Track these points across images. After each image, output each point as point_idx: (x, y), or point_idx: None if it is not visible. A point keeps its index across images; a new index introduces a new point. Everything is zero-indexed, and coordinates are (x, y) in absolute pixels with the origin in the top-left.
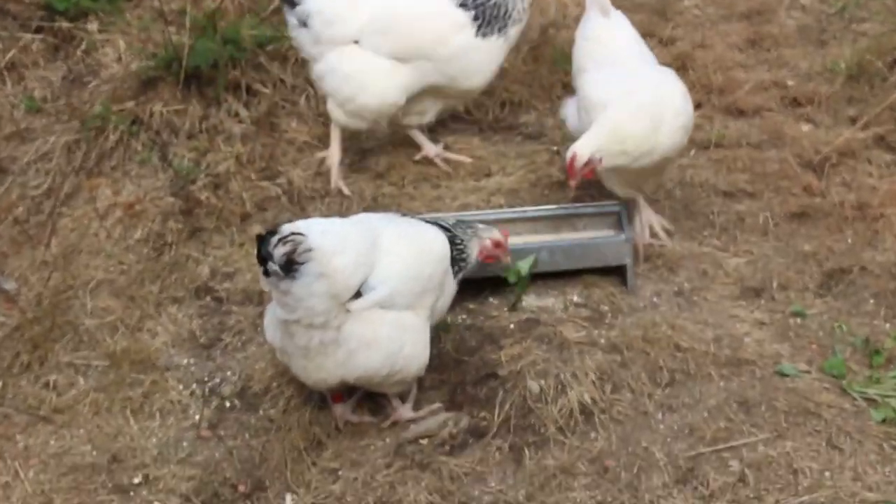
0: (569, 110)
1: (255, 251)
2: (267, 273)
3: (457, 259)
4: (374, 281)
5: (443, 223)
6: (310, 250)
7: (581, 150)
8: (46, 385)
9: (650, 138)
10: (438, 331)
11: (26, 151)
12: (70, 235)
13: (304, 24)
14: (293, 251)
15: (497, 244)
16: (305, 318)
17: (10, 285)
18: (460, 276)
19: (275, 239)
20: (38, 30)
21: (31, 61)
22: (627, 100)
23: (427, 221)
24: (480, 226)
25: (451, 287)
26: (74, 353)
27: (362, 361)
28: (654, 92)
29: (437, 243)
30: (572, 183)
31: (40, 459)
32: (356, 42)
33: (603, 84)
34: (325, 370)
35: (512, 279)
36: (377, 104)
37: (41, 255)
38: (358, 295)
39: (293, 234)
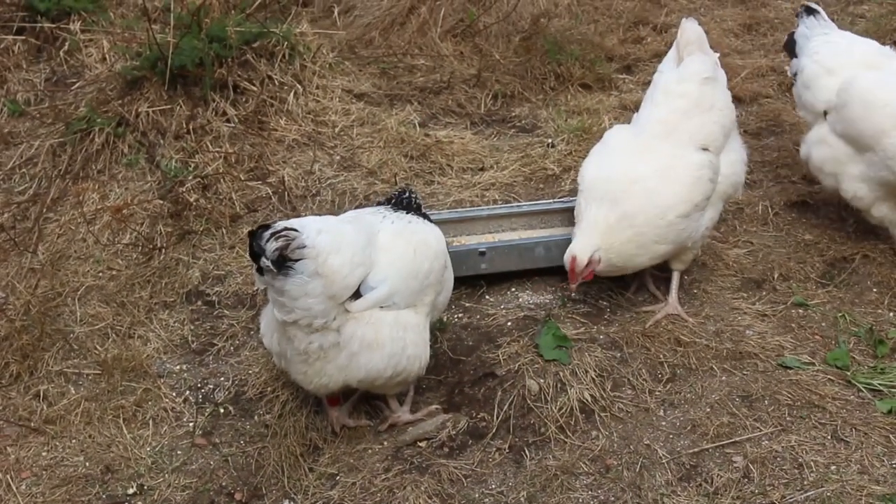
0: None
1: (248, 247)
2: (260, 270)
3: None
4: (373, 280)
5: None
6: (303, 247)
7: (580, 253)
8: (37, 395)
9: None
10: (435, 331)
11: (10, 156)
12: (57, 241)
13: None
14: (286, 247)
15: None
16: (303, 319)
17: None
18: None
19: (267, 234)
20: (20, 31)
21: (14, 63)
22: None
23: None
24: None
25: (450, 280)
26: (65, 362)
27: (364, 363)
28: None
29: (433, 238)
30: (573, 286)
31: (32, 472)
32: None
33: None
34: (326, 374)
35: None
36: None
37: (28, 262)
38: (357, 295)
39: (286, 229)
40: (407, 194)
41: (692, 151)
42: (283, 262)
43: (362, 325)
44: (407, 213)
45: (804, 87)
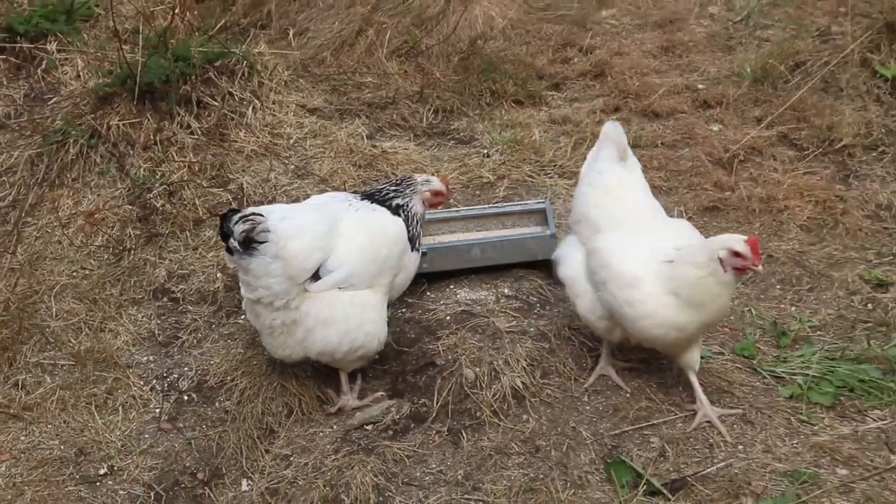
0: (571, 257)
1: (219, 227)
2: (229, 250)
3: (411, 230)
4: (332, 263)
5: (391, 197)
6: (267, 231)
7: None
8: (16, 385)
9: None
10: None
11: None
12: (35, 243)
13: None
14: (252, 230)
15: (436, 193)
16: (266, 297)
17: None
18: (418, 242)
19: (236, 217)
20: (1, 51)
21: None
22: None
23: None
24: (418, 178)
25: (412, 263)
26: (41, 354)
27: (321, 339)
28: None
29: (393, 226)
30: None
31: (11, 454)
32: None
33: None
34: (288, 347)
35: None
36: None
37: (8, 262)
38: (317, 277)
39: (253, 214)
40: (392, 204)
41: None
42: (249, 244)
43: (319, 303)
44: (372, 203)
45: None
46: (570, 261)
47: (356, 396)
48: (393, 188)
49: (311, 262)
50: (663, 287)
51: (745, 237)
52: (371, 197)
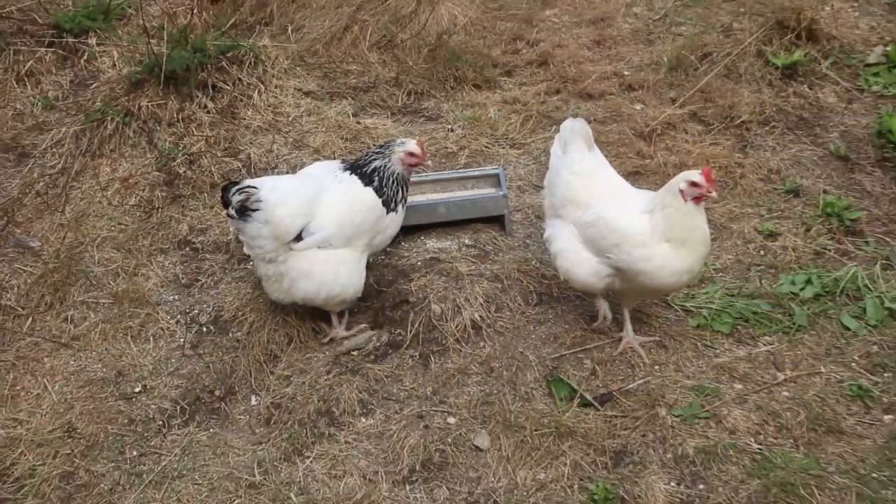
0: (563, 235)
1: (221, 197)
2: (230, 215)
3: (387, 193)
4: (313, 227)
5: (366, 168)
6: (259, 200)
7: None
8: (66, 319)
9: None
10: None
11: (44, 140)
12: (80, 203)
13: None
14: (246, 199)
15: (411, 153)
16: (259, 253)
17: (35, 244)
18: (404, 200)
19: (234, 189)
20: (50, 45)
21: (46, 69)
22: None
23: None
24: (396, 142)
25: (392, 225)
26: (86, 294)
27: (302, 288)
28: None
29: (368, 197)
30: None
31: (63, 376)
32: None
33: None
34: (279, 292)
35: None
36: None
37: (58, 219)
38: (300, 237)
39: (248, 186)
40: (368, 174)
41: None
42: (244, 211)
43: (300, 259)
44: (357, 176)
45: None
46: (563, 239)
47: (344, 328)
48: (375, 152)
49: (295, 226)
50: (659, 239)
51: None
52: (354, 166)
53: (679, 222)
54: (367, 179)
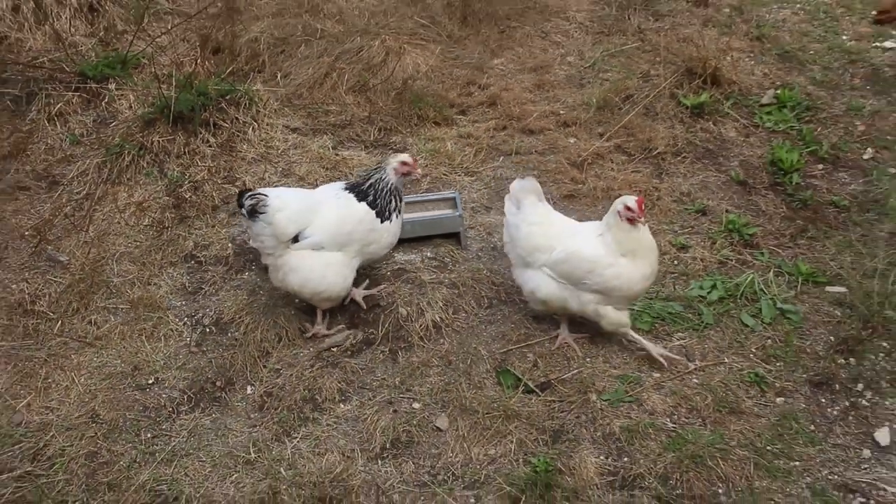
0: (543, 285)
1: (237, 200)
2: (242, 215)
3: (381, 205)
4: (308, 232)
5: (365, 186)
6: (266, 205)
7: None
8: (90, 322)
9: None
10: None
11: (71, 170)
12: (101, 224)
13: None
14: (256, 204)
15: (403, 165)
16: (262, 248)
17: (63, 258)
18: (399, 209)
19: (247, 194)
20: (77, 89)
21: (72, 110)
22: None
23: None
24: (389, 158)
25: (388, 232)
26: (107, 300)
27: (292, 280)
28: None
29: (359, 211)
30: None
31: (87, 370)
32: None
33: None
34: (276, 281)
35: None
36: None
37: (83, 237)
38: (297, 239)
39: (258, 193)
40: (365, 190)
41: None
42: (253, 213)
43: (293, 257)
44: (355, 196)
45: None
46: (543, 286)
47: (325, 327)
48: (373, 169)
49: (290, 230)
50: (616, 256)
51: (636, 198)
52: (352, 186)
53: (625, 238)
54: (362, 196)
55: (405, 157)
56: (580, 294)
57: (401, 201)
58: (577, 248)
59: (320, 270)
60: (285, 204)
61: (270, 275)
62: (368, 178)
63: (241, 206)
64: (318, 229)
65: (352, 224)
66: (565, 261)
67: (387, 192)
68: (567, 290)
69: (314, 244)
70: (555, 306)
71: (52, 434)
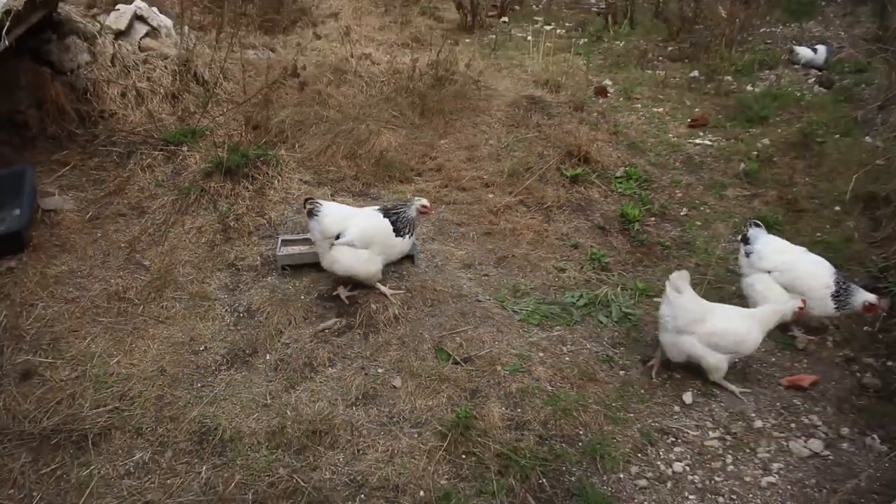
0: (689, 346)
1: (304, 204)
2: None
3: (399, 226)
4: (346, 234)
5: (392, 210)
6: (319, 211)
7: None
8: (163, 307)
9: None
10: (333, 283)
11: (154, 204)
12: (173, 241)
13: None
14: (313, 208)
15: (423, 207)
16: (316, 241)
17: (146, 263)
18: (412, 234)
19: (310, 201)
20: (161, 149)
21: (157, 164)
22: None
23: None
24: (414, 199)
25: (401, 244)
26: (175, 293)
27: (336, 267)
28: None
29: (383, 223)
30: None
31: (159, 340)
32: None
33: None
34: (326, 266)
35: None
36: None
37: (160, 249)
38: (338, 238)
39: (316, 202)
40: (390, 213)
41: None
42: (311, 214)
43: (337, 251)
44: (384, 215)
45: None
46: (689, 346)
47: (347, 291)
48: (401, 203)
49: (332, 231)
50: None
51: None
52: (384, 209)
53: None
54: (386, 215)
55: (425, 202)
56: (710, 352)
57: (414, 228)
58: (726, 326)
59: (355, 261)
60: (331, 212)
61: (322, 262)
62: (396, 207)
63: (304, 207)
64: (352, 232)
65: (375, 231)
66: (714, 334)
67: (406, 220)
68: (702, 350)
69: (349, 241)
70: (686, 358)
71: (133, 382)
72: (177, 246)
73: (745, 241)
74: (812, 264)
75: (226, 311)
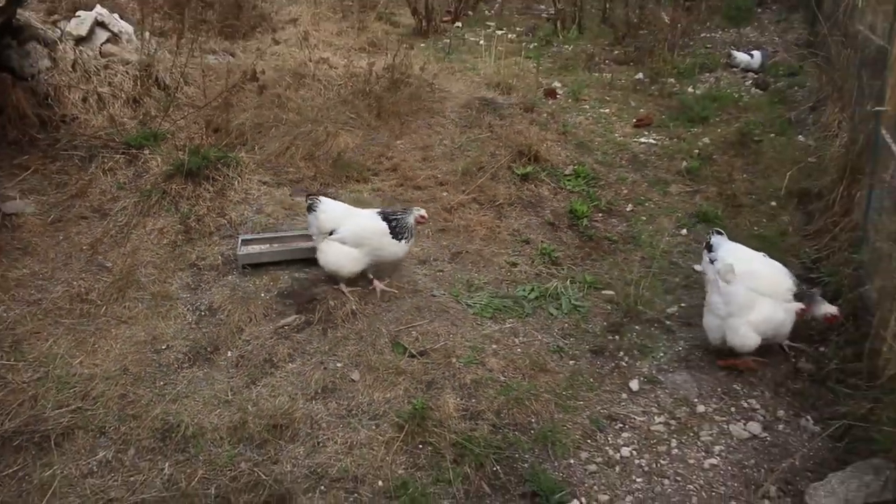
0: (742, 330)
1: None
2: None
3: (398, 231)
4: (338, 231)
5: (391, 215)
6: (318, 206)
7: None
8: (125, 307)
9: None
10: (292, 281)
11: (116, 206)
12: (135, 242)
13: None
14: (312, 203)
15: (421, 217)
16: (313, 234)
17: (109, 264)
18: (410, 240)
19: (310, 197)
20: (123, 153)
21: (119, 167)
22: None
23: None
24: (413, 208)
25: (393, 248)
26: (137, 293)
27: (325, 260)
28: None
29: (379, 225)
30: None
31: (122, 340)
32: None
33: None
34: (320, 259)
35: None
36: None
37: (122, 251)
38: (332, 233)
39: (315, 198)
40: (390, 218)
41: None
42: (310, 208)
43: (328, 245)
44: (380, 217)
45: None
46: (742, 330)
47: (344, 286)
48: (401, 210)
49: (327, 227)
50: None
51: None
52: (383, 213)
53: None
54: (385, 218)
55: (423, 212)
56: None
57: (412, 236)
58: (771, 313)
59: (342, 257)
60: (329, 209)
61: (318, 255)
62: (396, 213)
63: (305, 202)
64: (345, 231)
65: (369, 232)
66: (765, 321)
67: (404, 226)
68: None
69: (340, 238)
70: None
71: (96, 382)
72: (139, 247)
73: (709, 248)
74: (776, 271)
75: (188, 310)
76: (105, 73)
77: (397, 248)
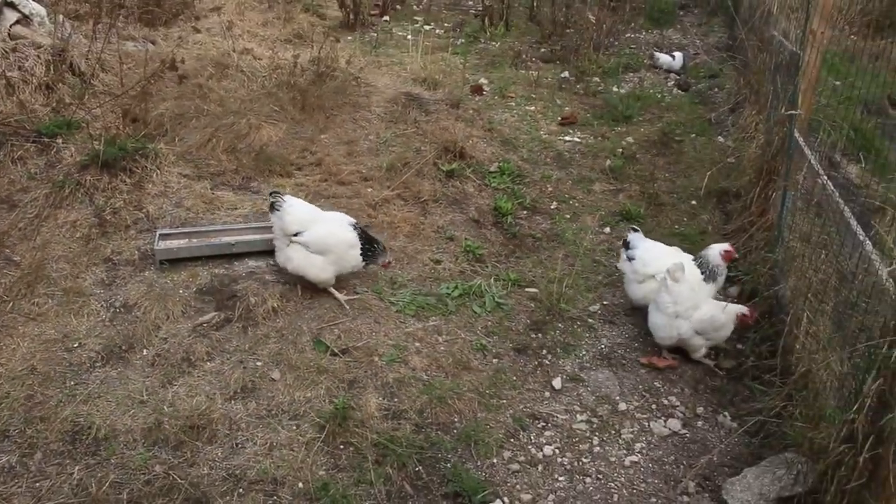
0: (684, 329)
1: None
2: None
3: (367, 252)
4: (304, 235)
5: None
6: (282, 206)
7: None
8: (34, 304)
9: None
10: (212, 278)
11: (26, 197)
12: (46, 235)
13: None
14: (275, 202)
15: (386, 264)
16: (275, 236)
17: (17, 258)
18: (372, 259)
19: (274, 195)
20: (34, 141)
21: (30, 156)
22: None
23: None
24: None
25: (353, 260)
26: (48, 289)
27: (289, 265)
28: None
29: (342, 234)
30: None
31: (30, 338)
32: None
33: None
34: (282, 262)
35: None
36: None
37: (32, 244)
38: (297, 235)
39: (280, 196)
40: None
41: None
42: (273, 208)
43: (291, 249)
44: (353, 228)
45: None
46: (684, 330)
47: (339, 292)
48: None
49: (291, 229)
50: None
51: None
52: (356, 226)
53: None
54: (355, 230)
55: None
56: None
57: (379, 255)
58: (714, 313)
59: (306, 263)
60: (294, 210)
61: (278, 257)
62: (369, 225)
63: (269, 198)
64: (310, 235)
65: (335, 241)
66: (705, 320)
67: (374, 246)
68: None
69: (304, 242)
70: (678, 343)
71: (0, 382)
72: (50, 241)
73: (626, 245)
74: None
75: (101, 306)
76: (14, 57)
77: (355, 262)
